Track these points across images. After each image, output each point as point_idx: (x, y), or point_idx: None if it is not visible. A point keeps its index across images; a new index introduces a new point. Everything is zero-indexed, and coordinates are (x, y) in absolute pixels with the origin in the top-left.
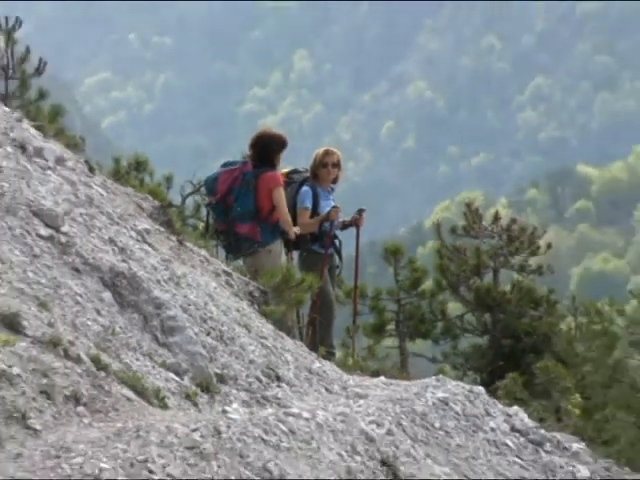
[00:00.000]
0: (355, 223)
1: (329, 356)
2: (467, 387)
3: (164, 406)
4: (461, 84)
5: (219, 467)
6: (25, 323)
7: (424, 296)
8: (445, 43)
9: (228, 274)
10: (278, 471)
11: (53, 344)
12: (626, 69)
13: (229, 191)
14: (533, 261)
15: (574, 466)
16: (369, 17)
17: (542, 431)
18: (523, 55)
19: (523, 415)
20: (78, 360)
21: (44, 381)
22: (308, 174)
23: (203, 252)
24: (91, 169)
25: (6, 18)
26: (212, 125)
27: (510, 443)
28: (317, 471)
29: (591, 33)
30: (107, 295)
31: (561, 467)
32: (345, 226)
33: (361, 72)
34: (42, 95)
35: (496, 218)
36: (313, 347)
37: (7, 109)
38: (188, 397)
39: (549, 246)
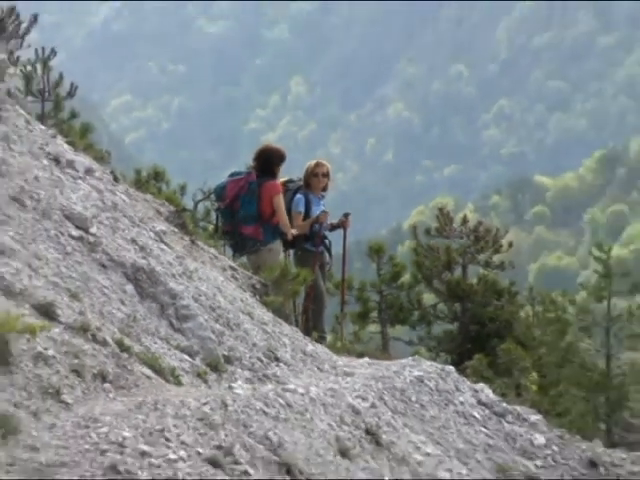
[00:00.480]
0: (342, 225)
1: (321, 340)
2: (439, 366)
3: (178, 383)
4: (434, 106)
5: (226, 436)
6: (59, 311)
7: (402, 288)
8: (420, 70)
9: (234, 269)
10: (277, 439)
11: (83, 329)
12: (577, 93)
13: (235, 197)
14: (496, 258)
15: (532, 434)
16: (355, 48)
17: (504, 404)
18: (487, 81)
19: (488, 391)
20: (104, 343)
21: (75, 361)
22: (302, 183)
23: (212, 250)
24: (115, 179)
25: (42, 48)
26: (220, 141)
27: (477, 415)
28: (310, 439)
29: (546, 62)
30: (129, 287)
31: (521, 435)
32: (333, 228)
33: (348, 95)
34: (73, 115)
35: (464, 221)
36: (307, 332)
37: (43, 127)
38: (199, 375)
39: (510, 245)
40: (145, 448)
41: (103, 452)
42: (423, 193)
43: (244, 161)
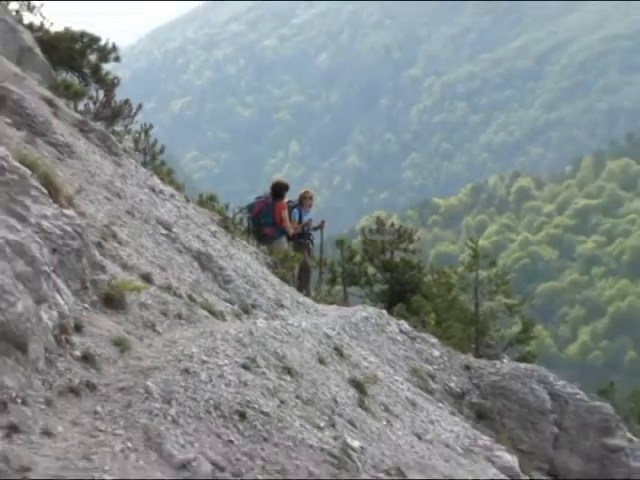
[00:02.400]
0: (320, 227)
1: (307, 295)
2: (377, 310)
3: (224, 320)
4: (375, 158)
5: (252, 350)
6: (154, 277)
7: (356, 264)
8: (366, 137)
9: (257, 253)
10: (282, 353)
11: (168, 288)
12: (457, 150)
13: (260, 211)
14: (411, 246)
15: (431, 350)
16: (328, 123)
17: (415, 332)
18: (405, 143)
19: (406, 325)
20: (180, 296)
21: (163, 307)
22: (297, 202)
23: (244, 242)
24: (187, 200)
25: (145, 124)
26: (248, 179)
27: (399, 338)
28: (302, 353)
29: (439, 132)
30: (195, 264)
31: (425, 350)
32: (315, 229)
33: (324, 151)
34: (162, 163)
35: (392, 225)
36: (300, 290)
37: (145, 170)
38: (236, 315)
39: (418, 239)
40: (204, 358)
41: (180, 361)
42: (368, 209)
43: (262, 190)
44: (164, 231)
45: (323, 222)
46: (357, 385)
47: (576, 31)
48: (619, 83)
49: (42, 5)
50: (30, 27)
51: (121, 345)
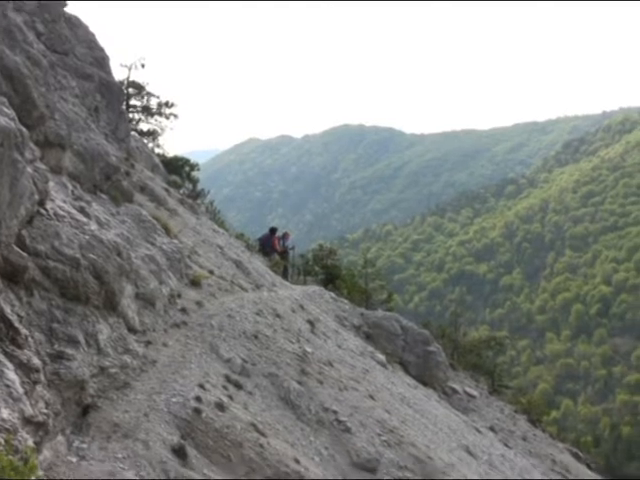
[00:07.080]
0: (293, 248)
1: (287, 280)
2: (319, 287)
3: (247, 292)
4: (318, 217)
5: (260, 306)
6: (214, 272)
7: (310, 266)
8: (314, 207)
9: (263, 261)
10: (274, 307)
11: (221, 277)
12: (357, 214)
13: (265, 241)
14: (335, 257)
15: (345, 306)
16: (295, 201)
17: (337, 297)
18: (332, 209)
19: (333, 294)
20: (227, 280)
21: (218, 285)
22: (282, 236)
23: (258, 256)
24: (230, 235)
25: (211, 200)
26: (258, 225)
27: (330, 300)
28: (284, 307)
29: (349, 206)
30: (234, 265)
31: (342, 306)
32: (291, 249)
33: (294, 213)
34: (219, 218)
35: (327, 248)
36: (284, 278)
37: (210, 221)
38: (253, 290)
39: (339, 254)
40: (238, 309)
41: (226, 311)
42: (315, 240)
43: (265, 230)
44: (219, 250)
45: (294, 246)
46: (310, 322)
47: (412, 157)
48: (431, 182)
49: (164, 143)
50: (157, 155)
51: (199, 304)
